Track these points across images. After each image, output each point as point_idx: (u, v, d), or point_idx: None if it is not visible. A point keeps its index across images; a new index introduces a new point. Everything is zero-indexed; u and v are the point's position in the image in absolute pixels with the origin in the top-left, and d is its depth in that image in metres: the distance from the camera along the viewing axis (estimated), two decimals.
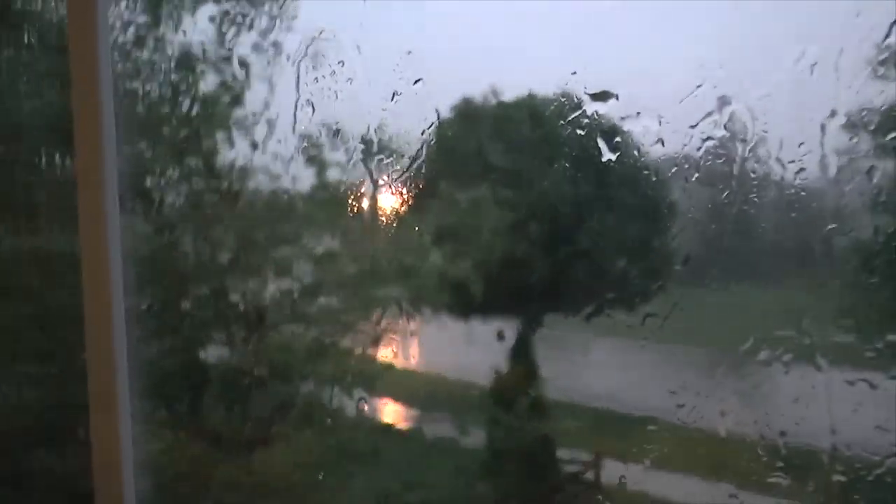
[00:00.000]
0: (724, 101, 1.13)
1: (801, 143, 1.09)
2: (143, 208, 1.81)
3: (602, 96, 1.26)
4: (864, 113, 1.03)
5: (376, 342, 2.02)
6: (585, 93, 1.28)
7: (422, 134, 1.51)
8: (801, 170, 1.10)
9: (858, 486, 1.04)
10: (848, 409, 1.06)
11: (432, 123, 1.52)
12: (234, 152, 2.06)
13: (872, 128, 1.03)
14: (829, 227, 1.07)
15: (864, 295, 1.06)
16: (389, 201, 1.64)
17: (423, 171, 1.56)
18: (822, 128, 1.05)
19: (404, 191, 1.61)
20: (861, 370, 1.05)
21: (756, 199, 1.17)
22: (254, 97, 2.03)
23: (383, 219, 1.69)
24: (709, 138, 1.20)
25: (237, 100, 2.01)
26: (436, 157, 1.57)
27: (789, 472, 1.12)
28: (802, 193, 1.10)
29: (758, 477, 1.14)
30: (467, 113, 1.64)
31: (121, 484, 1.67)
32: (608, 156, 1.31)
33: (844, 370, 1.08)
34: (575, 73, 1.27)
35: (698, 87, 1.14)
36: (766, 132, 1.11)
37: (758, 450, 1.17)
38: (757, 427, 1.22)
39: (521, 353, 1.98)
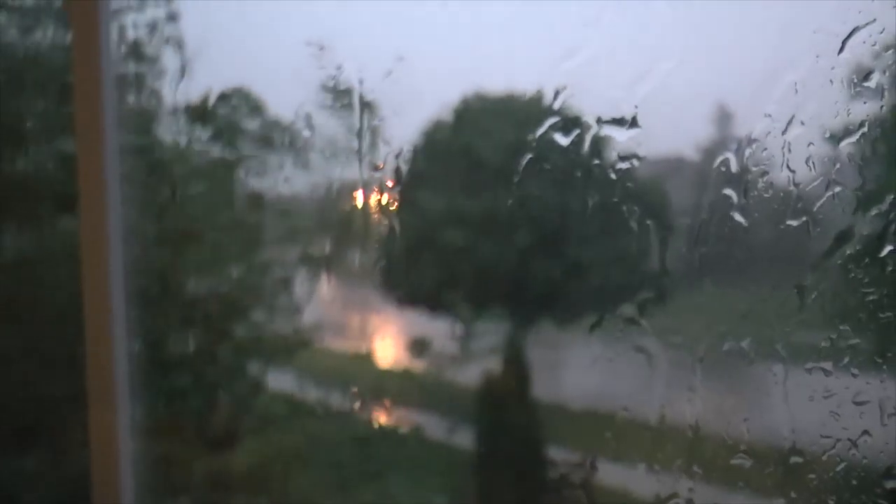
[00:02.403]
0: (694, 111, 1.22)
1: (765, 149, 1.17)
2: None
3: (574, 122, 1.35)
4: (821, 121, 1.12)
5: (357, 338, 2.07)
6: (561, 109, 1.37)
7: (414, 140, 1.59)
8: (765, 173, 1.18)
9: (813, 466, 1.13)
10: (805, 398, 1.14)
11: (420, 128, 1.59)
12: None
13: (828, 135, 1.11)
14: (787, 226, 1.15)
15: (819, 292, 1.14)
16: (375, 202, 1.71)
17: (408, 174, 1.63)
18: (784, 133, 1.13)
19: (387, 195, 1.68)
20: (817, 361, 1.13)
21: (726, 204, 1.24)
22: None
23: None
24: (684, 145, 1.28)
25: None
26: (422, 160, 1.63)
27: (752, 455, 1.20)
28: (766, 195, 1.18)
29: (723, 460, 1.22)
30: (457, 114, 1.71)
31: (118, 479, 1.70)
32: (588, 162, 1.39)
33: (803, 362, 1.16)
34: (560, 92, 1.36)
35: (664, 92, 1.22)
36: (729, 136, 1.20)
37: (724, 436, 1.25)
38: (725, 417, 1.29)
39: (510, 355, 2.02)
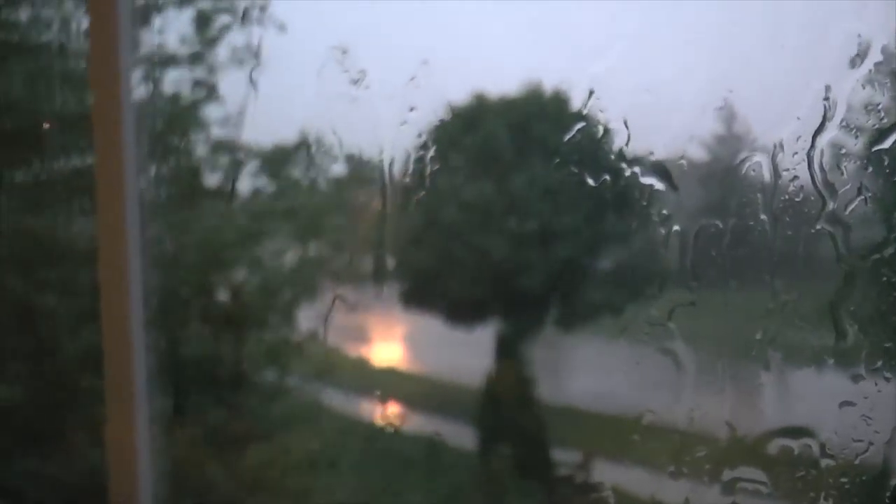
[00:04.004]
0: (716, 111, 1.22)
1: (796, 153, 1.17)
2: None
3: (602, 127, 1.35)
4: (854, 124, 1.11)
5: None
6: (588, 113, 1.37)
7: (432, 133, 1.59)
8: (796, 177, 1.18)
9: (846, 470, 1.12)
10: (837, 401, 1.13)
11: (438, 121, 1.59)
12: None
13: (860, 139, 1.11)
14: (818, 230, 1.15)
15: (852, 295, 1.14)
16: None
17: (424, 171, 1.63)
18: (815, 136, 1.13)
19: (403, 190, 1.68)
20: (849, 365, 1.12)
21: (749, 207, 1.24)
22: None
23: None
24: (703, 146, 1.28)
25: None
26: (438, 155, 1.63)
27: (782, 459, 1.19)
28: (797, 198, 1.18)
29: (751, 464, 1.22)
30: (472, 110, 1.71)
31: (136, 481, 1.69)
32: (615, 165, 1.39)
33: (834, 365, 1.16)
34: (587, 96, 1.35)
35: (692, 95, 1.22)
36: (759, 140, 1.20)
37: (752, 443, 1.25)
38: (751, 423, 1.29)
39: (514, 356, 2.02)
